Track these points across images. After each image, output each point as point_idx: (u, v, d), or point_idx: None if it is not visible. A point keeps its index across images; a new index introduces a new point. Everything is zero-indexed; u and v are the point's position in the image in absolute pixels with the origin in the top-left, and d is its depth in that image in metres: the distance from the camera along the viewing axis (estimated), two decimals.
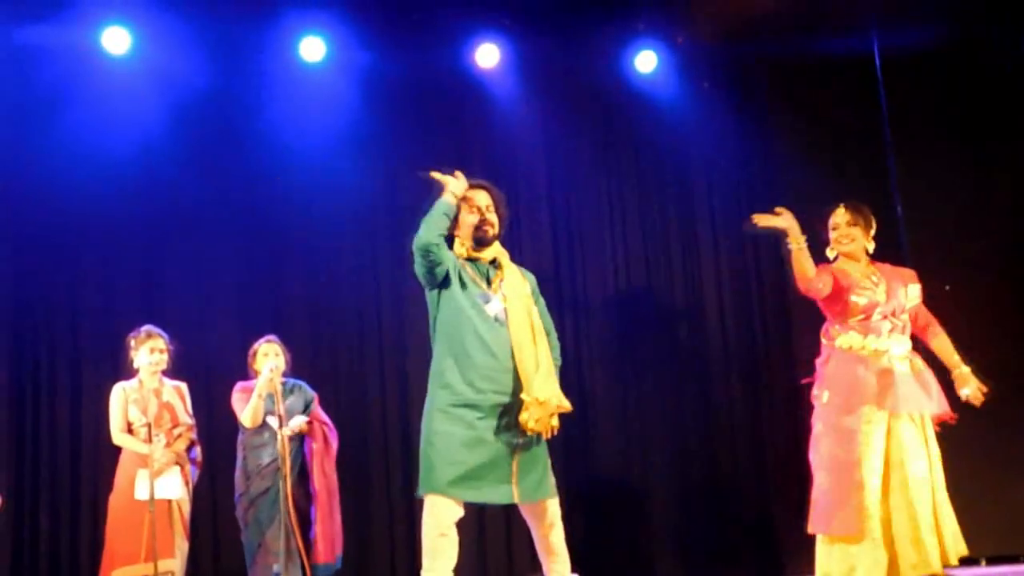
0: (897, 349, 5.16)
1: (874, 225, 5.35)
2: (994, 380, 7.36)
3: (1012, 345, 7.74)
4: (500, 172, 8.71)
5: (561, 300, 8.64)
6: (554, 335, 4.88)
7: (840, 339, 5.20)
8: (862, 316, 5.14)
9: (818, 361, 5.34)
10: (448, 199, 4.65)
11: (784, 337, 8.45)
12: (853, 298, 5.11)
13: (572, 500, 8.21)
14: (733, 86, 8.97)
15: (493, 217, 4.80)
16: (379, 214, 8.55)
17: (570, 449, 8.33)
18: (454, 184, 4.69)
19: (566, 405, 4.58)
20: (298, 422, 6.36)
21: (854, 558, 4.96)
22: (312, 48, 8.33)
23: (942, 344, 5.39)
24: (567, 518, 7.99)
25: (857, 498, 4.94)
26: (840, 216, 5.34)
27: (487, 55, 8.63)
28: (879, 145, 8.22)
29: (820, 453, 5.17)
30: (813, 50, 8.35)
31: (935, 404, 5.14)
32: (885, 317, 5.16)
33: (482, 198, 4.80)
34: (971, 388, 5.27)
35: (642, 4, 8.56)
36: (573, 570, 4.75)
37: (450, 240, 4.80)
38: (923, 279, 7.57)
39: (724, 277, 8.86)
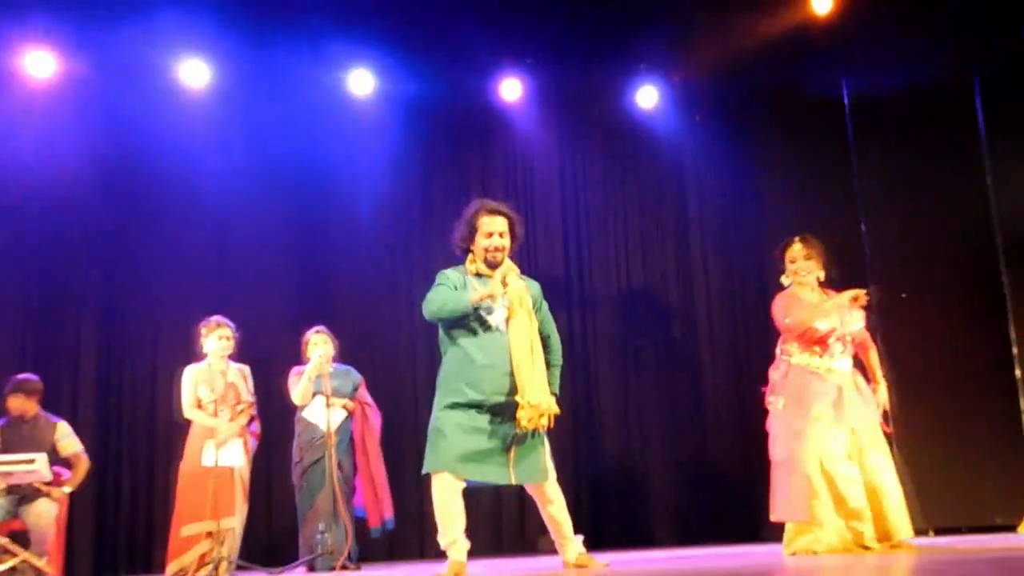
0: (843, 367, 5.23)
1: (823, 257, 5.37)
2: (948, 375, 7.61)
3: (962, 346, 7.79)
4: (519, 190, 8.90)
5: (570, 301, 8.75)
6: (556, 338, 4.87)
7: (796, 356, 5.24)
8: (821, 340, 5.18)
9: (772, 371, 5.38)
10: (468, 306, 4.56)
11: (762, 333, 8.50)
12: (816, 324, 5.14)
13: (579, 476, 8.36)
14: (722, 119, 9.05)
15: (505, 242, 4.74)
16: (414, 225, 8.69)
17: (577, 431, 8.46)
18: (485, 297, 4.58)
19: (555, 409, 4.59)
20: (340, 414, 6.45)
21: (813, 535, 5.02)
22: (361, 81, 8.47)
23: (873, 360, 5.42)
24: (575, 492, 8.20)
25: (804, 488, 4.99)
26: (797, 251, 5.35)
27: (511, 89, 8.75)
28: (847, 172, 8.33)
29: (776, 451, 5.23)
30: (791, 89, 8.46)
31: (873, 418, 5.20)
32: (839, 340, 5.21)
33: (498, 224, 4.74)
34: (883, 398, 5.32)
35: (643, 48, 8.65)
36: (576, 533, 4.81)
37: (464, 253, 4.83)
38: (883, 289, 7.76)
39: (713, 281, 8.94)
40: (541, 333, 4.76)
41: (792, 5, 7.94)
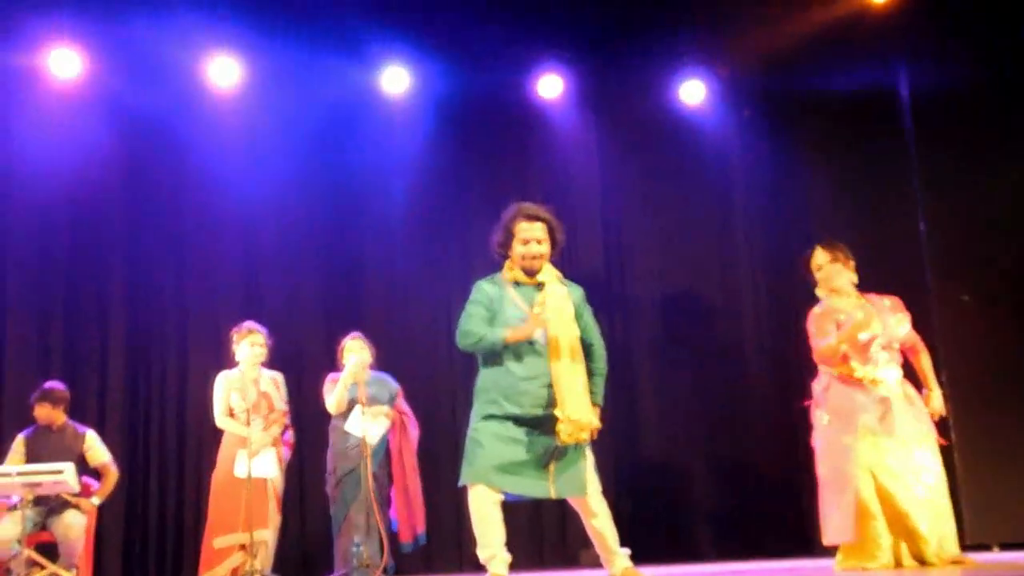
0: (891, 377, 4.99)
1: (852, 259, 5.14)
2: (1009, 381, 7.33)
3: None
4: (558, 190, 8.71)
5: (611, 304, 8.57)
6: (600, 344, 4.69)
7: (840, 368, 5.02)
8: (862, 350, 4.97)
9: (815, 385, 5.17)
10: (501, 342, 4.43)
11: None
12: (860, 336, 4.94)
13: (621, 483, 8.16)
14: (771, 115, 8.83)
15: (543, 248, 4.58)
16: (450, 227, 8.53)
17: (618, 438, 8.27)
18: (520, 338, 4.44)
19: (596, 424, 4.45)
20: (380, 429, 6.30)
21: (868, 552, 4.82)
22: (395, 78, 8.34)
23: (924, 364, 5.17)
24: (615, 501, 8.00)
25: (853, 507, 4.80)
26: (820, 257, 5.15)
27: (550, 86, 8.58)
28: (905, 167, 8.02)
29: (823, 470, 5.04)
30: (845, 83, 8.16)
31: (924, 428, 4.97)
32: (883, 348, 4.99)
33: (536, 230, 4.57)
34: (936, 407, 5.08)
35: (688, 41, 8.47)
36: (622, 546, 4.63)
37: (503, 258, 4.68)
38: (943, 291, 7.51)
39: (759, 283, 8.72)
40: (583, 340, 4.59)
41: None
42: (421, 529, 6.42)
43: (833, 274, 5.09)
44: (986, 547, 6.99)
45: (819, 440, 5.08)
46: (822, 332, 5.03)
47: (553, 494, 4.44)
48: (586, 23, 8.41)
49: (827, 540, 4.99)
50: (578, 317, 4.60)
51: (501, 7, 8.17)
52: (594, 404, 4.53)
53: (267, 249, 8.15)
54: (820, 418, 5.08)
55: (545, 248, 4.59)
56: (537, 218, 4.60)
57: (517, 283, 4.61)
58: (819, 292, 5.18)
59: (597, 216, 8.81)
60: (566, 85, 8.62)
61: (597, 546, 4.64)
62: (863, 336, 4.94)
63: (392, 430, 6.41)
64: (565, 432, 4.34)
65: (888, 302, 5.10)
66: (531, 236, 4.56)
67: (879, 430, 4.86)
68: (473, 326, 4.53)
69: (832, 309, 5.06)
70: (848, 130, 8.26)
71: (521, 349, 4.48)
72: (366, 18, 8.01)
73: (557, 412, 4.35)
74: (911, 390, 5.04)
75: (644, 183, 8.88)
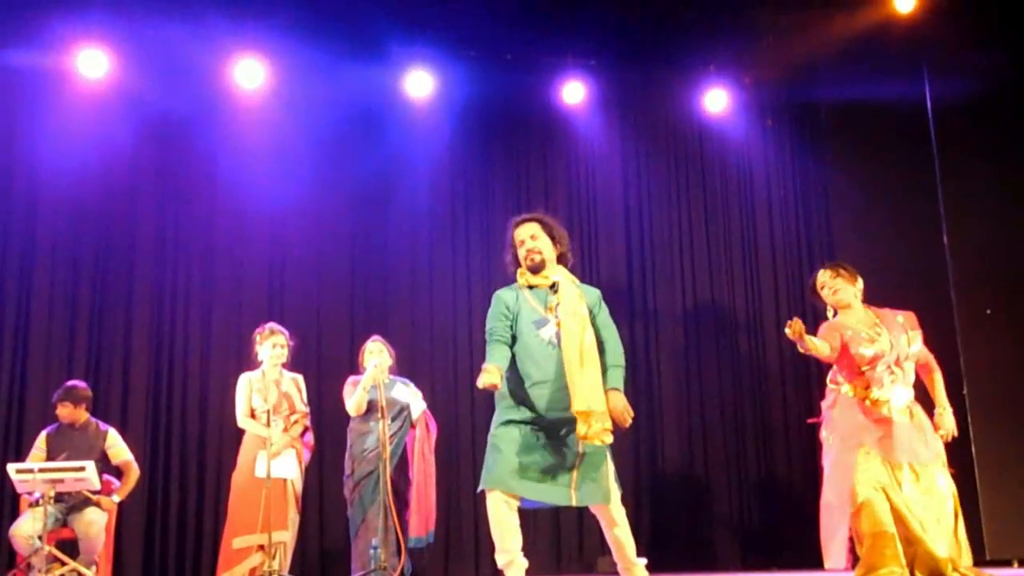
0: (898, 400, 4.85)
1: (858, 275, 5.06)
2: None
3: None
4: (581, 197, 8.77)
5: (633, 312, 8.59)
6: (614, 340, 4.67)
7: (845, 386, 4.94)
8: (868, 367, 4.85)
9: (824, 404, 5.10)
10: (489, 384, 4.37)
11: None
12: (861, 350, 4.83)
13: (641, 492, 8.19)
14: (794, 124, 8.85)
15: (538, 244, 4.67)
16: (473, 232, 8.57)
17: (639, 447, 8.30)
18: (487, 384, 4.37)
19: (618, 410, 4.43)
20: (420, 405, 6.39)
21: (888, 569, 4.62)
22: (419, 82, 8.38)
23: (937, 383, 5.04)
24: (636, 508, 8.04)
25: (857, 530, 4.67)
26: (823, 275, 5.08)
27: (573, 92, 8.60)
28: (929, 179, 7.98)
29: (827, 492, 4.90)
30: (869, 94, 8.12)
31: (931, 453, 4.81)
32: (888, 367, 4.85)
33: (526, 230, 4.71)
34: (946, 427, 4.93)
35: (712, 50, 8.48)
36: (640, 555, 4.64)
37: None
38: (967, 304, 7.48)
39: (781, 293, 8.72)
40: (599, 340, 4.62)
41: (872, 3, 7.69)
42: (432, 526, 6.44)
43: (837, 289, 5.01)
44: (1007, 563, 6.97)
45: (826, 459, 4.98)
46: (829, 339, 4.90)
47: (575, 501, 4.45)
48: (610, 30, 8.42)
49: (828, 564, 4.86)
50: (593, 317, 4.64)
51: (526, 13, 8.19)
52: (608, 389, 4.50)
53: (290, 251, 8.19)
54: (826, 438, 5.00)
55: (541, 244, 4.69)
56: (525, 220, 4.77)
57: (531, 287, 4.69)
58: (828, 313, 5.10)
59: (620, 224, 8.83)
60: (589, 91, 8.64)
61: (615, 555, 4.64)
62: (867, 352, 4.83)
63: (414, 432, 6.46)
64: (583, 430, 4.35)
65: (901, 318, 4.97)
66: (524, 236, 4.71)
67: (877, 451, 4.75)
68: (491, 321, 4.63)
69: (840, 324, 4.97)
70: (873, 141, 8.25)
71: (538, 352, 4.52)
72: (390, 21, 8.03)
73: (572, 410, 4.36)
74: (921, 412, 4.91)
75: (667, 192, 8.91)
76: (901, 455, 4.73)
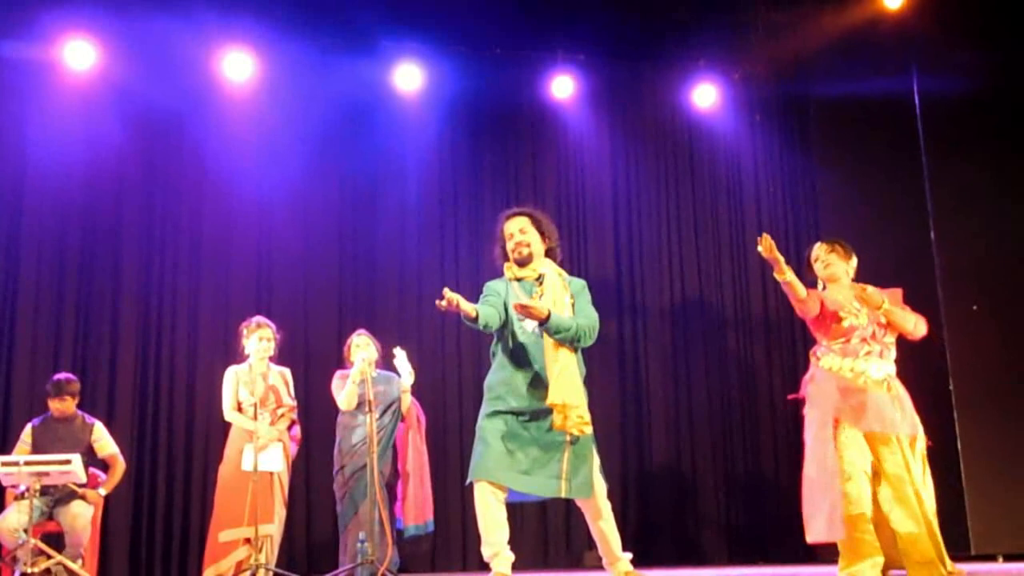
0: (875, 372, 4.86)
1: (853, 254, 5.10)
2: (1017, 392, 7.34)
3: None
4: (569, 191, 8.79)
5: (621, 307, 8.62)
6: (589, 318, 4.62)
7: (824, 360, 4.96)
8: (843, 339, 4.89)
9: (804, 378, 5.10)
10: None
11: None
12: (840, 313, 4.87)
13: (628, 487, 8.23)
14: (783, 119, 8.89)
15: (527, 237, 4.73)
16: (461, 226, 8.60)
17: (626, 441, 8.34)
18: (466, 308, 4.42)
19: (572, 403, 4.41)
20: (408, 380, 6.37)
21: (855, 557, 4.66)
22: (408, 76, 8.38)
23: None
24: (623, 502, 8.08)
25: (835, 508, 4.63)
26: (819, 249, 5.13)
27: (563, 86, 8.62)
28: (917, 176, 8.02)
29: (808, 466, 4.87)
30: (858, 90, 8.15)
31: (906, 426, 4.79)
32: (864, 340, 4.88)
33: (516, 224, 4.76)
34: (874, 296, 4.89)
35: (701, 45, 8.51)
36: (625, 549, 4.68)
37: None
38: (953, 300, 7.51)
39: (769, 289, 8.75)
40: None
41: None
42: (430, 515, 6.47)
43: (829, 263, 5.05)
44: (992, 558, 7.02)
45: (807, 434, 4.95)
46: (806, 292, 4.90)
47: (564, 493, 4.48)
48: (600, 24, 8.44)
49: (811, 538, 4.81)
50: (574, 304, 4.68)
51: (515, 7, 8.20)
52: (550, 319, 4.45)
53: (278, 244, 8.21)
54: (807, 413, 4.98)
55: (530, 237, 4.74)
56: (515, 214, 4.83)
57: (519, 279, 4.73)
58: (819, 286, 5.12)
59: (609, 219, 8.87)
60: (578, 86, 8.67)
61: (600, 548, 4.69)
62: (843, 324, 4.87)
63: (404, 424, 6.48)
64: (559, 420, 4.40)
65: (887, 294, 4.98)
66: (513, 230, 4.76)
67: (850, 422, 4.74)
68: (484, 294, 4.73)
69: (824, 295, 4.99)
70: (861, 137, 8.26)
71: (524, 343, 4.58)
72: (379, 15, 8.04)
73: (547, 403, 4.41)
74: (899, 387, 4.90)
75: (656, 186, 8.94)
76: (873, 424, 4.73)
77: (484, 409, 4.63)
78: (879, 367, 4.89)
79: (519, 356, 4.58)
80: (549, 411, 4.48)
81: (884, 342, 4.93)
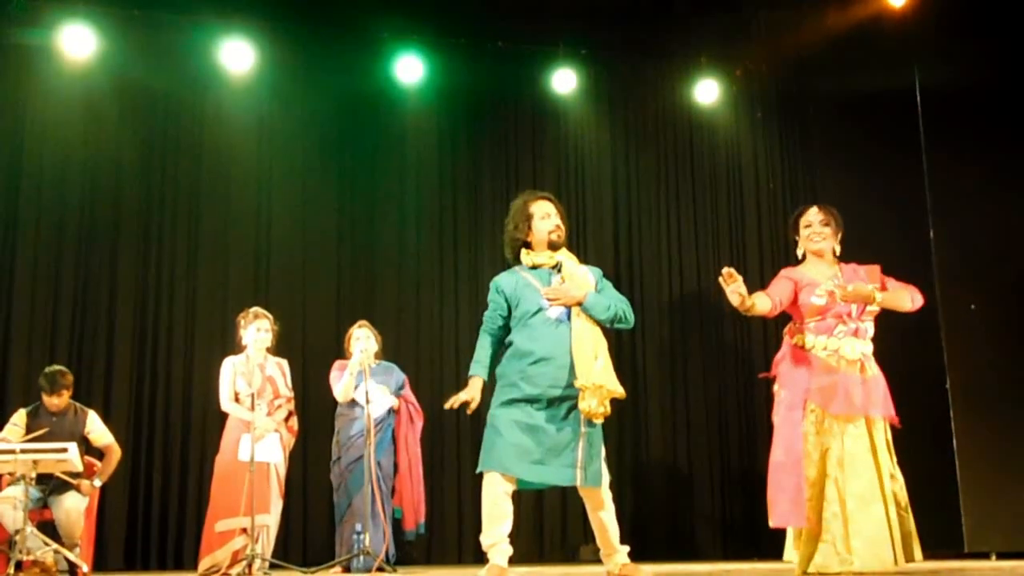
0: (849, 351, 4.70)
1: (842, 228, 4.93)
2: (1014, 390, 7.38)
3: None
4: (570, 184, 8.82)
5: None
6: (623, 300, 4.70)
7: (796, 338, 4.81)
8: (818, 317, 4.73)
9: (776, 356, 4.94)
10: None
11: None
12: (813, 299, 4.70)
13: (623, 481, 8.26)
14: (784, 116, 8.92)
15: (560, 222, 4.72)
16: (461, 218, 8.62)
17: (623, 434, 8.37)
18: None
19: (620, 391, 4.49)
20: (388, 402, 6.41)
21: (813, 547, 4.58)
22: (409, 68, 8.37)
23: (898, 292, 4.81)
24: (619, 497, 8.07)
25: (799, 492, 4.52)
26: (813, 215, 4.92)
27: (564, 80, 8.62)
28: (916, 172, 8.04)
29: (776, 448, 4.71)
30: (859, 86, 8.15)
31: (878, 408, 4.63)
32: (839, 318, 4.71)
33: (543, 207, 4.73)
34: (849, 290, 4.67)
35: (703, 41, 8.53)
36: (622, 542, 4.68)
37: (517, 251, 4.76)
38: (951, 298, 7.54)
39: (768, 283, 8.77)
40: None
41: None
42: (422, 518, 6.52)
43: (820, 237, 4.88)
44: (985, 555, 7.07)
45: (776, 415, 4.81)
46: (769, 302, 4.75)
47: (580, 481, 4.44)
48: (602, 19, 8.46)
49: (773, 523, 4.72)
50: (599, 291, 4.68)
51: (517, 0, 8.24)
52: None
53: (277, 234, 8.23)
54: (777, 392, 4.85)
55: (561, 222, 4.73)
56: (543, 197, 4.80)
57: (535, 267, 4.69)
58: (798, 252, 5.00)
59: (608, 213, 8.89)
60: (580, 80, 8.67)
61: (599, 539, 4.68)
62: (818, 302, 4.70)
63: (399, 419, 6.52)
64: (587, 405, 4.38)
65: (864, 271, 4.79)
66: (549, 211, 4.72)
67: (819, 403, 4.62)
68: (486, 321, 4.73)
69: (797, 274, 4.84)
70: (861, 134, 8.26)
71: (543, 330, 4.53)
72: (381, 7, 8.05)
73: (581, 383, 4.39)
74: (875, 369, 4.74)
75: (656, 182, 8.97)
76: (840, 407, 4.60)
77: (497, 397, 4.59)
78: (853, 347, 4.72)
79: (538, 343, 4.52)
80: (564, 399, 4.47)
81: (860, 321, 4.76)
